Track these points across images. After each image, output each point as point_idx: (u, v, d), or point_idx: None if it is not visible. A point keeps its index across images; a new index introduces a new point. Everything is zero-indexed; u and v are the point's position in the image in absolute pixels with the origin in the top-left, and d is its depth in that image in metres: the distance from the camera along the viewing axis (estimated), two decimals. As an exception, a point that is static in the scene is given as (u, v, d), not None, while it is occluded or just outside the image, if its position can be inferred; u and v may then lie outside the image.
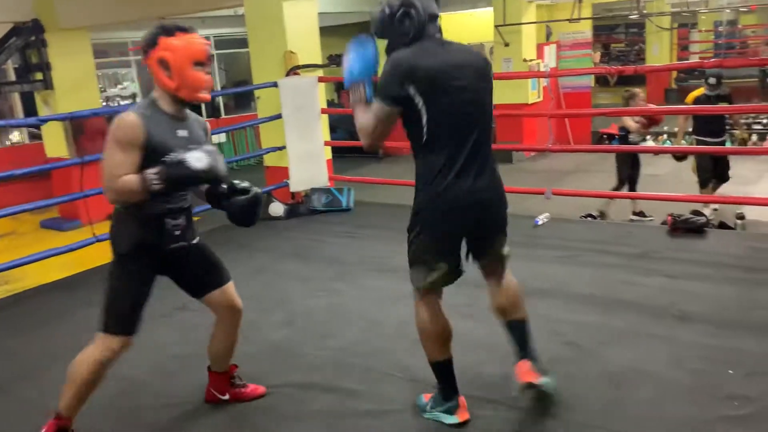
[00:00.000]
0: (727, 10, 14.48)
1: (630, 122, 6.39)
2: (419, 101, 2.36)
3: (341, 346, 3.44)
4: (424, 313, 2.59)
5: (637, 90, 6.66)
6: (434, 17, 2.47)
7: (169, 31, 2.44)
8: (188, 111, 2.58)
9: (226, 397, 2.95)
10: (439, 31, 2.50)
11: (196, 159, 2.35)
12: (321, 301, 4.05)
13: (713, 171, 6.49)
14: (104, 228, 6.60)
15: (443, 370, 2.64)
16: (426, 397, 2.76)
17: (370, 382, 3.04)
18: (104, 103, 11.19)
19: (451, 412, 2.64)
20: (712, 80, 6.30)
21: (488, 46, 11.17)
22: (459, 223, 2.49)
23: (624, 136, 6.58)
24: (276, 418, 2.83)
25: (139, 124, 2.35)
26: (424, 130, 2.40)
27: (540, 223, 5.35)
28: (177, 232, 2.59)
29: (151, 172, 2.33)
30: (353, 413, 2.81)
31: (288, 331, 3.69)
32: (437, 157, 2.41)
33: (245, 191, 2.62)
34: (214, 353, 2.89)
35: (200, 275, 2.75)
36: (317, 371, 3.18)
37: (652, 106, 6.75)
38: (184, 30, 2.46)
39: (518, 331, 2.72)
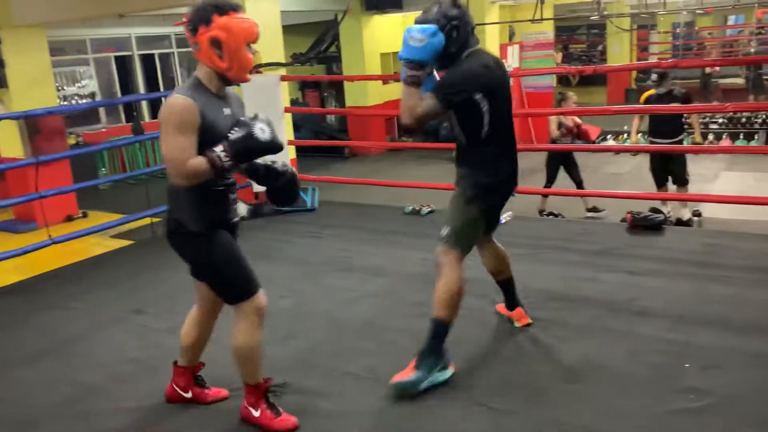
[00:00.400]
0: (684, 12, 14.80)
1: (554, 127, 6.61)
2: (484, 105, 2.82)
3: (306, 347, 3.42)
4: (458, 274, 2.91)
5: (570, 93, 6.87)
6: (473, 28, 2.88)
7: (223, 9, 2.39)
8: (228, 88, 2.57)
9: (189, 395, 2.90)
10: (478, 41, 2.91)
11: (261, 130, 2.40)
12: (285, 302, 4.01)
13: (665, 171, 6.50)
14: (61, 230, 6.47)
15: (446, 332, 2.91)
16: (406, 375, 2.84)
17: (335, 383, 3.02)
18: (62, 102, 10.93)
19: (445, 367, 2.92)
20: (653, 77, 6.37)
21: (452, 45, 11.24)
22: (505, 199, 3.08)
23: (555, 142, 6.75)
24: (239, 421, 2.79)
25: (193, 106, 2.34)
26: (486, 128, 2.86)
27: (503, 221, 5.39)
28: (235, 206, 2.66)
29: (218, 150, 2.34)
30: (318, 414, 2.79)
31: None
32: (494, 147, 2.93)
33: (283, 172, 2.67)
34: (189, 344, 2.85)
35: None
36: (281, 373, 3.14)
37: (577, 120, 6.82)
38: (235, 8, 2.43)
39: (510, 286, 3.40)
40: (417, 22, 2.81)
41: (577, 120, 6.75)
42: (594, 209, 6.83)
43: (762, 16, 16.10)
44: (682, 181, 6.36)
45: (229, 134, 2.37)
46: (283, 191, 2.71)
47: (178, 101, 2.35)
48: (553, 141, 6.81)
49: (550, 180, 6.87)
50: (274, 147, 2.46)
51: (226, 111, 2.48)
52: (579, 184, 6.89)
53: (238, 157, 2.38)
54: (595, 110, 6.45)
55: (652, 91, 6.52)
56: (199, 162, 2.34)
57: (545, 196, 6.77)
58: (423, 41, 2.67)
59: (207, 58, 2.40)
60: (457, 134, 2.98)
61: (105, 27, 11.34)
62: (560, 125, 6.70)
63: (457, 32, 2.76)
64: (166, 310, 4.04)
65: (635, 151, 6.90)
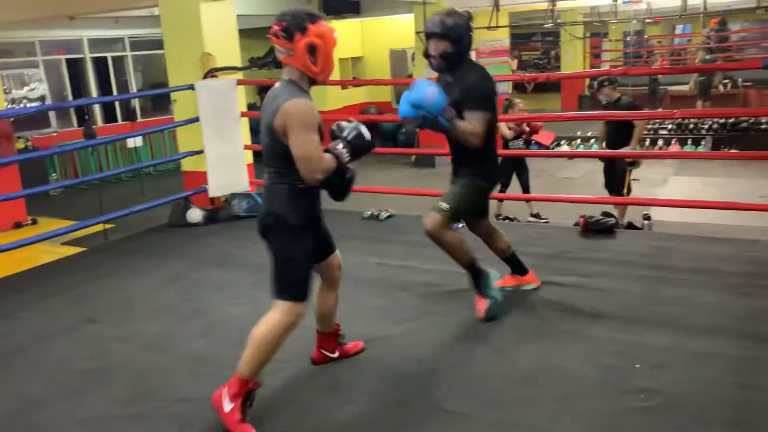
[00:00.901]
0: (635, 21, 15.22)
1: (505, 130, 6.74)
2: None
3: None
4: (451, 231, 3.51)
5: (517, 100, 7.03)
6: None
7: (314, 18, 2.60)
8: None
9: (336, 354, 3.17)
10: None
11: (366, 130, 2.70)
12: (239, 309, 3.96)
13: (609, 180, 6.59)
14: (9, 237, 6.25)
15: (476, 268, 3.59)
16: (483, 307, 3.55)
17: (292, 390, 2.99)
18: (9, 106, 10.59)
19: (494, 277, 3.68)
20: (594, 84, 6.49)
21: (410, 52, 11.31)
22: (495, 185, 3.83)
23: (504, 142, 6.88)
24: (193, 431, 2.74)
25: (315, 107, 2.57)
26: (490, 129, 3.46)
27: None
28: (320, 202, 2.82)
29: (340, 147, 2.61)
30: (276, 419, 2.75)
31: (206, 341, 3.58)
32: (490, 146, 3.54)
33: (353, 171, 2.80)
34: (323, 314, 3.08)
35: (325, 240, 2.95)
36: (235, 380, 3.10)
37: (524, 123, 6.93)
38: (321, 17, 2.65)
39: (515, 258, 3.92)
40: (429, 20, 3.45)
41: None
42: (537, 216, 6.99)
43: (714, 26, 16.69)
44: (617, 189, 6.45)
45: (342, 133, 2.66)
46: (348, 187, 2.83)
47: (304, 102, 2.54)
48: (506, 143, 6.90)
49: (505, 184, 6.97)
50: (374, 147, 2.83)
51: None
52: (526, 189, 7.03)
53: (355, 154, 2.65)
54: (548, 117, 6.56)
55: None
56: (329, 158, 2.58)
57: (500, 200, 6.86)
58: (435, 94, 3.24)
59: (301, 62, 2.59)
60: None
61: (55, 29, 11.04)
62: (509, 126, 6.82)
63: (469, 39, 3.42)
64: (119, 318, 3.95)
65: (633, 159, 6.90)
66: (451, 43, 3.36)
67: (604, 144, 6.84)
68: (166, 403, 2.94)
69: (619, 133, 6.34)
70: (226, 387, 2.69)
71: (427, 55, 3.53)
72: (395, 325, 3.61)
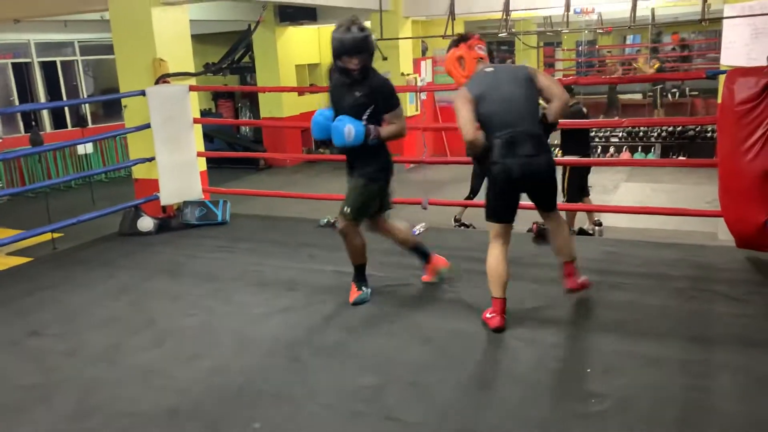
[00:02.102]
0: (586, 31, 15.56)
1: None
2: None
3: (213, 366, 3.31)
4: (358, 238, 3.93)
5: None
6: None
7: (465, 38, 3.68)
8: None
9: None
10: None
11: None
12: (192, 320, 3.89)
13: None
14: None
15: (362, 269, 4.10)
16: (355, 295, 4.01)
17: (243, 404, 2.95)
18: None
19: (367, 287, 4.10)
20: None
21: (367, 58, 11.33)
22: (389, 182, 4.05)
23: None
24: (140, 446, 2.67)
25: None
26: None
27: (417, 232, 5.46)
28: None
29: None
30: (224, 435, 2.71)
31: (156, 352, 3.50)
32: (382, 146, 3.90)
33: None
34: (507, 278, 3.57)
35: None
36: (186, 395, 3.03)
37: None
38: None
39: (419, 247, 4.23)
40: (344, 38, 3.59)
41: None
42: (462, 223, 7.10)
43: (676, 38, 17.22)
44: (574, 196, 6.54)
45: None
46: None
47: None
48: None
49: (474, 191, 6.99)
50: None
51: None
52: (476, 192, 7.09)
53: None
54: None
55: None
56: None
57: (465, 206, 6.89)
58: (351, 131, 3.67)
59: (453, 70, 3.68)
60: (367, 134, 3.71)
61: (0, 32, 10.70)
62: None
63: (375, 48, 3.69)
64: (65, 331, 3.83)
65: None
66: (368, 54, 3.69)
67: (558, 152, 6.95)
68: (114, 418, 2.85)
69: (570, 140, 6.45)
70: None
71: (342, 70, 3.69)
72: (348, 333, 3.60)
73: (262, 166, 11.57)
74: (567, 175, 6.46)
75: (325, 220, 5.79)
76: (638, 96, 15.86)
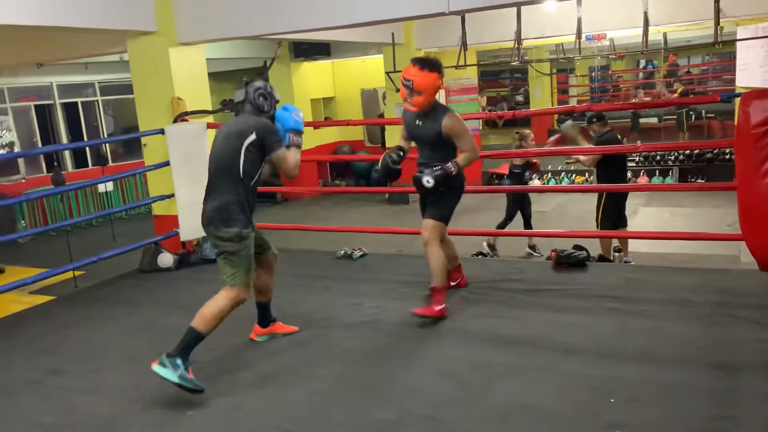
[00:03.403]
0: (599, 57, 15.62)
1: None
2: None
3: (229, 405, 3.30)
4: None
5: (527, 132, 7.09)
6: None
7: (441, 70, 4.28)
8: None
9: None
10: None
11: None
12: (211, 355, 3.88)
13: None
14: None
15: (201, 340, 3.45)
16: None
17: (261, 438, 2.93)
18: (-23, 153, 10.46)
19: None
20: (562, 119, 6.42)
21: (381, 91, 11.46)
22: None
23: (517, 174, 6.96)
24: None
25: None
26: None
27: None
28: None
29: None
30: None
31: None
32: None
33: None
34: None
35: None
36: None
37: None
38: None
39: (268, 305, 4.05)
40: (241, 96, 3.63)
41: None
42: (533, 248, 7.06)
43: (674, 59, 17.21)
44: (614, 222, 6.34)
45: None
46: None
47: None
48: (511, 171, 7.01)
49: (510, 217, 7.00)
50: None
51: None
52: (527, 219, 7.08)
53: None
54: (520, 153, 6.66)
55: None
56: None
57: (497, 235, 6.92)
58: (300, 116, 3.75)
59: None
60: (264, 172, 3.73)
61: (24, 75, 11.01)
62: (526, 163, 6.95)
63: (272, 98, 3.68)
64: (86, 369, 3.85)
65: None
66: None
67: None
68: (133, 457, 2.85)
69: (607, 169, 6.23)
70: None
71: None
72: (366, 366, 3.58)
73: (279, 199, 11.67)
74: (602, 204, 6.22)
75: (342, 252, 5.80)
76: (654, 120, 15.83)
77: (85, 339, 4.38)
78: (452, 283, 4.62)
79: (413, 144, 4.41)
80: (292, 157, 3.59)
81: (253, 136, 3.44)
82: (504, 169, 7.10)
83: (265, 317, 4.02)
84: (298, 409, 3.16)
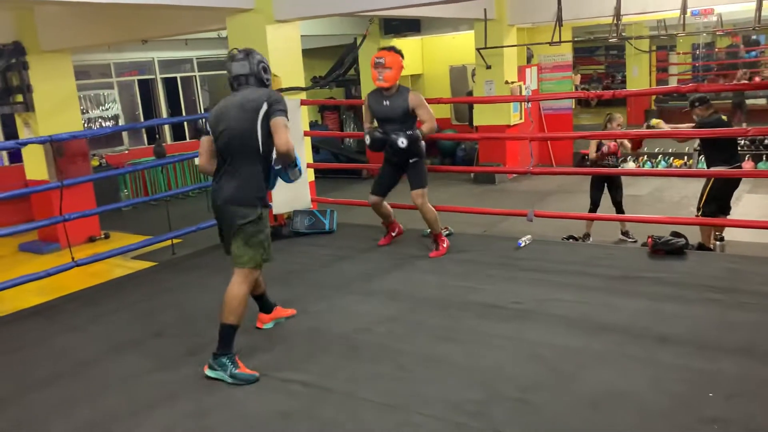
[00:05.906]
0: (704, 33, 14.74)
1: (592, 150, 6.60)
2: None
3: (321, 372, 3.40)
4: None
5: (617, 115, 6.78)
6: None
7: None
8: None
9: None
10: None
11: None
12: (301, 325, 4.01)
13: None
14: (83, 251, 6.53)
15: (234, 332, 3.48)
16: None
17: (346, 410, 3.00)
18: (86, 125, 11.12)
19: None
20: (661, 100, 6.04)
21: (470, 68, 11.29)
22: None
23: (594, 160, 6.70)
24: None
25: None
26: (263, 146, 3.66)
27: (522, 245, 5.36)
28: None
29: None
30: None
31: (268, 356, 3.63)
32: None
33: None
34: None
35: None
36: (296, 397, 3.14)
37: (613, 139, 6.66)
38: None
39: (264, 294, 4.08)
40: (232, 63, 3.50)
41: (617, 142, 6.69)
42: (626, 234, 6.82)
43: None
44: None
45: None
46: None
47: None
48: (593, 163, 6.76)
49: (595, 203, 6.82)
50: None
51: None
52: (618, 206, 6.85)
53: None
54: (610, 134, 6.41)
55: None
56: None
57: (590, 220, 6.73)
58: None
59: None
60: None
61: (128, 51, 11.58)
62: (599, 147, 6.65)
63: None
64: (185, 332, 4.06)
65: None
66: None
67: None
68: (229, 418, 3.00)
69: (714, 151, 6.03)
70: None
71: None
72: (455, 345, 3.59)
73: (365, 176, 11.78)
74: (708, 188, 5.98)
75: (429, 231, 5.80)
76: (762, 101, 14.82)
77: (185, 303, 4.61)
78: (393, 234, 5.67)
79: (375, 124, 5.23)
80: (287, 133, 3.38)
81: (265, 106, 3.36)
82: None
83: (266, 305, 4.03)
84: (386, 384, 3.21)
